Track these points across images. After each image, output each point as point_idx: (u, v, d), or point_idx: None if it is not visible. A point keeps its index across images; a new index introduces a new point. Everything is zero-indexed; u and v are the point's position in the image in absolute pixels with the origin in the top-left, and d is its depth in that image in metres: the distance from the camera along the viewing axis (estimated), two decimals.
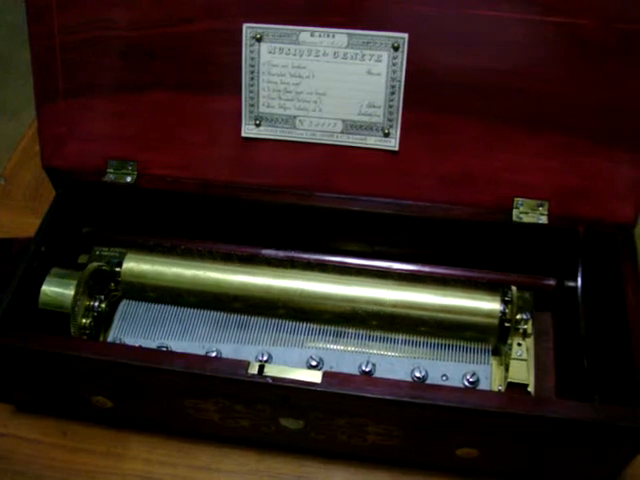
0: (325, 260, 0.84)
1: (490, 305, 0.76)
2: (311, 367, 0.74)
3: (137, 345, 0.76)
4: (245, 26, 0.75)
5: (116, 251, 0.85)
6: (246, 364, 0.65)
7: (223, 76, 0.77)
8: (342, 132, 0.77)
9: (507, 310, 0.75)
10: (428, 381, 0.73)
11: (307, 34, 0.74)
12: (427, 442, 0.70)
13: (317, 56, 0.75)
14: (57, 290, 0.76)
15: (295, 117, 0.78)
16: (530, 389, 0.74)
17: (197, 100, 0.78)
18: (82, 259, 0.86)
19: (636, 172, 0.74)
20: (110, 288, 0.81)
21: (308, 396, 0.65)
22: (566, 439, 0.65)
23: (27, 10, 0.77)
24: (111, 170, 0.81)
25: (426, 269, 0.83)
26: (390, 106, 0.75)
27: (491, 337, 0.76)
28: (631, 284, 0.71)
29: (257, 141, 0.79)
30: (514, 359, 0.75)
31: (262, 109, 0.78)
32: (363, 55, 0.74)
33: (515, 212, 0.76)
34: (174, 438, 0.76)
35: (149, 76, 0.78)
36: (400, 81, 0.74)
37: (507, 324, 0.75)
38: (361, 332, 0.78)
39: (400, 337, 0.77)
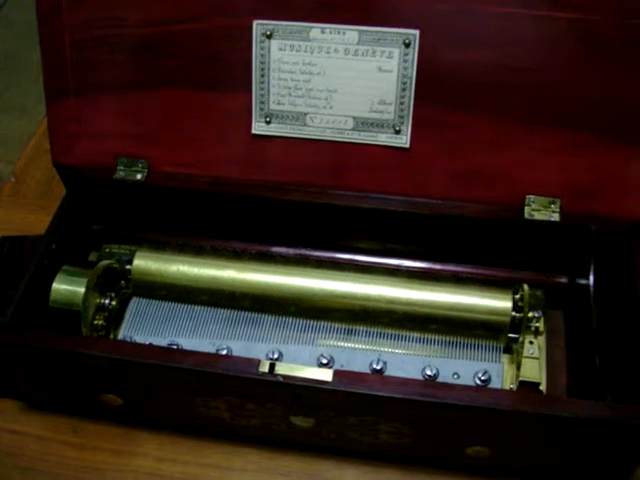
0: (336, 258, 0.84)
1: (501, 303, 0.75)
2: (322, 365, 0.74)
3: (147, 343, 0.76)
4: (255, 23, 0.75)
5: (126, 249, 0.85)
6: (257, 362, 0.65)
7: (233, 73, 0.77)
8: (353, 129, 0.77)
9: (519, 308, 0.75)
10: (439, 379, 0.73)
11: (318, 31, 0.74)
12: (438, 440, 0.70)
13: (328, 53, 0.75)
14: (68, 288, 0.76)
15: (306, 114, 0.77)
16: (542, 387, 0.74)
17: (207, 97, 0.78)
18: (92, 257, 0.86)
19: None
20: (121, 286, 0.81)
21: (319, 394, 0.65)
22: (578, 438, 0.65)
23: (37, 9, 0.77)
24: (121, 167, 0.81)
25: (437, 267, 0.83)
26: (401, 103, 0.75)
27: (502, 335, 0.76)
28: None
29: (267, 138, 0.79)
30: (526, 357, 0.74)
31: (272, 106, 0.78)
32: (374, 52, 0.74)
33: (527, 209, 0.76)
34: (185, 436, 0.76)
35: (159, 74, 0.78)
36: (411, 78, 0.74)
37: (518, 322, 0.75)
38: (372, 330, 0.78)
39: (411, 335, 0.77)
